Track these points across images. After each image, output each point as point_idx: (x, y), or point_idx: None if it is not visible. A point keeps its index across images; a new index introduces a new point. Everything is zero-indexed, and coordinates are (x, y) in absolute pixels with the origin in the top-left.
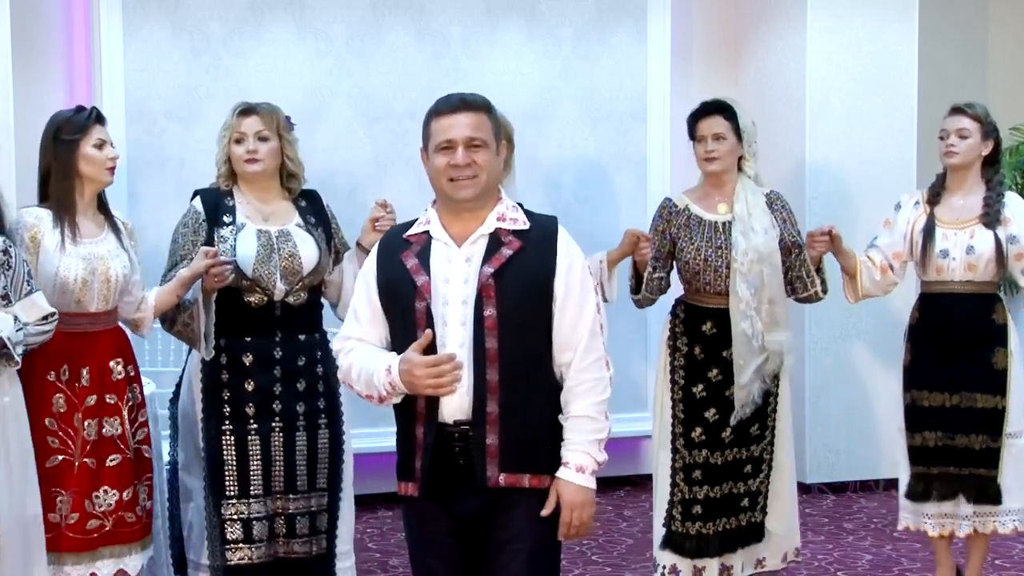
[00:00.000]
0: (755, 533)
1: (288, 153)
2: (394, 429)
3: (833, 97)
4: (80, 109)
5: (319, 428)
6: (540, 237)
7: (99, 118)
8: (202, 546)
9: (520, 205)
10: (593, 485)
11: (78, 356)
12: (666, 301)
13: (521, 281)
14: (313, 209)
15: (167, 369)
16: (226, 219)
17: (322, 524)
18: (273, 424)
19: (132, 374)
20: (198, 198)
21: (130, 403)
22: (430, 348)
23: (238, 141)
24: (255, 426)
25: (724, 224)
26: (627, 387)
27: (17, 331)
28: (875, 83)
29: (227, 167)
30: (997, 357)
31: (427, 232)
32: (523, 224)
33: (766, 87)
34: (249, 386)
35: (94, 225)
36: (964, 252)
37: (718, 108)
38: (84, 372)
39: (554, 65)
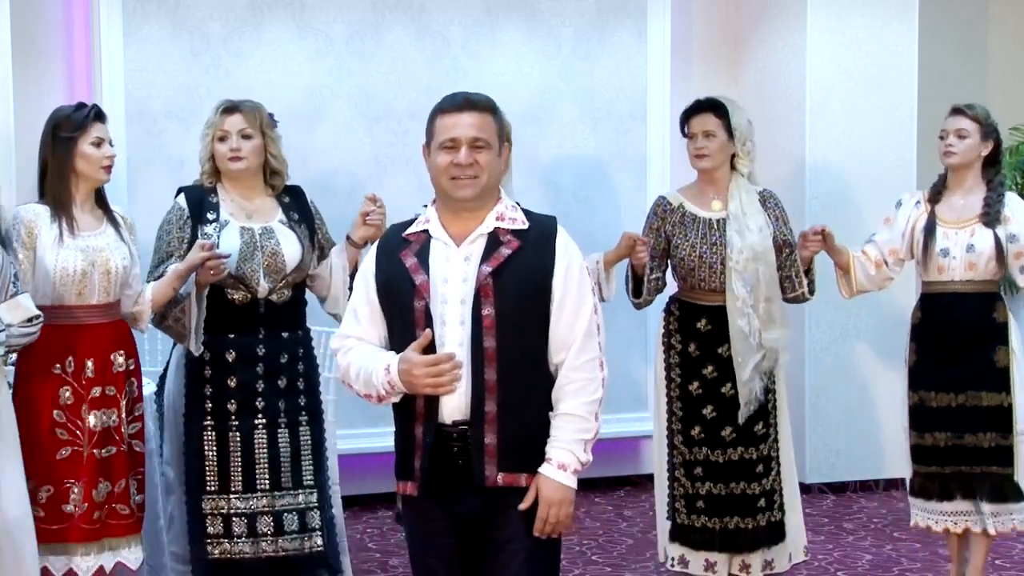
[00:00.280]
0: (777, 532)
1: (271, 150)
2: (393, 429)
3: (833, 97)
4: (81, 106)
5: (300, 425)
6: (539, 237)
7: (99, 116)
8: (184, 539)
9: (517, 204)
10: (574, 484)
11: (81, 348)
12: (662, 299)
13: (519, 281)
14: (296, 205)
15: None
16: (210, 216)
17: (313, 521)
18: (256, 421)
19: (132, 367)
20: (182, 195)
21: (127, 396)
22: (429, 347)
23: (221, 139)
24: (236, 423)
25: (718, 221)
26: (627, 387)
27: (0, 331)
28: (875, 83)
29: (210, 164)
30: (998, 355)
31: (426, 231)
32: (522, 224)
33: (766, 87)
34: (232, 383)
35: (92, 219)
36: (964, 251)
37: (709, 106)
38: (89, 364)
39: (554, 65)
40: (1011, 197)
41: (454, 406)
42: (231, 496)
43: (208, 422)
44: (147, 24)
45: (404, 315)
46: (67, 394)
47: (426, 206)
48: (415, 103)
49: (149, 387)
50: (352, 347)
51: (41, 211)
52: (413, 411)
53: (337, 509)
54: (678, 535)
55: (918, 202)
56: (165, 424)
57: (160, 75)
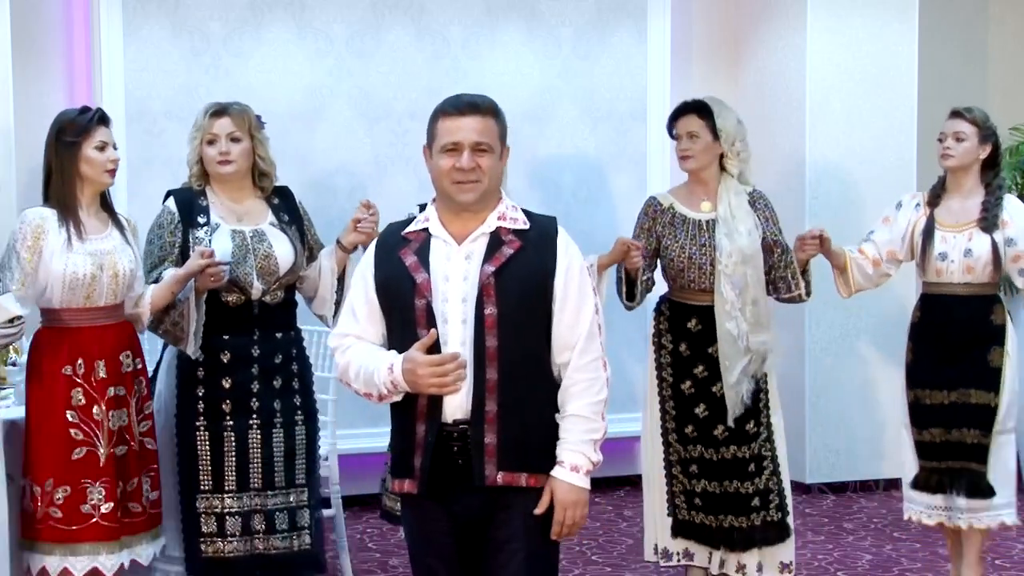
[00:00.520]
0: (776, 532)
1: (259, 152)
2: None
3: (833, 97)
4: (85, 110)
5: (296, 425)
6: (540, 237)
7: (103, 119)
8: (175, 539)
9: (516, 205)
10: (587, 485)
11: (90, 350)
12: (653, 300)
13: (521, 280)
14: (286, 207)
15: None
16: (200, 219)
17: (303, 520)
18: (250, 421)
19: (140, 367)
20: (171, 199)
21: (137, 395)
22: (433, 347)
23: (210, 142)
24: (231, 423)
25: (708, 222)
26: (626, 387)
27: None
28: (875, 83)
29: (199, 167)
30: (993, 356)
31: (426, 229)
32: (523, 224)
33: (766, 87)
34: (227, 383)
35: (98, 222)
36: (962, 255)
37: (693, 107)
38: (99, 365)
39: (554, 65)
40: (1009, 200)
41: (456, 405)
42: (224, 495)
43: (201, 422)
44: (147, 24)
45: (404, 313)
46: (79, 395)
47: (421, 207)
48: (415, 103)
49: None
50: (351, 345)
51: (48, 215)
52: (414, 410)
53: (337, 509)
54: (680, 530)
55: (918, 204)
56: (155, 426)
57: (160, 75)
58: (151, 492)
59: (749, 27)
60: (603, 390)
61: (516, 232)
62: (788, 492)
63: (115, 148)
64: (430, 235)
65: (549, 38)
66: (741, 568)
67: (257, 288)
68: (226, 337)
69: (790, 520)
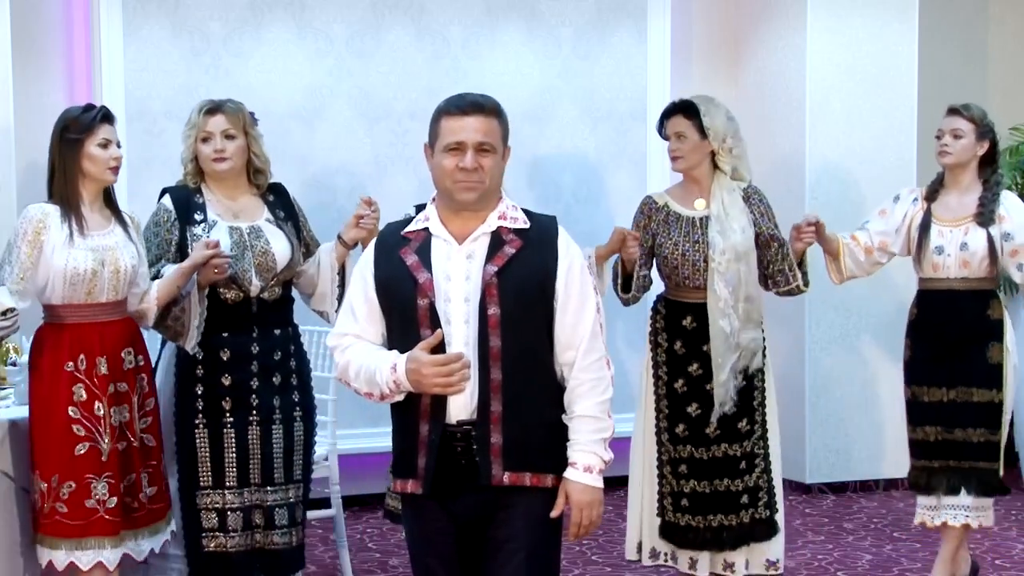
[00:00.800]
0: (763, 530)
1: (254, 149)
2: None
3: (833, 97)
4: (89, 107)
5: (295, 421)
6: (540, 237)
7: (107, 117)
8: (174, 536)
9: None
10: (601, 484)
11: (92, 346)
12: (650, 299)
13: (523, 280)
14: (281, 203)
15: None
16: (197, 217)
17: (299, 515)
18: (250, 418)
19: (142, 363)
20: (167, 196)
21: (139, 392)
22: (437, 346)
23: (204, 140)
24: (231, 419)
25: (701, 220)
26: (626, 387)
27: None
28: (875, 83)
29: (193, 165)
30: (992, 352)
31: (426, 229)
32: (523, 223)
33: (766, 87)
34: (226, 381)
35: (101, 218)
36: (958, 249)
37: (680, 108)
38: (101, 361)
39: (554, 65)
40: (1007, 196)
41: (460, 405)
42: (225, 491)
43: (200, 419)
44: (147, 24)
45: (405, 313)
46: (81, 391)
47: (418, 208)
48: (415, 103)
49: None
50: (351, 345)
51: (51, 211)
52: (417, 409)
53: (337, 509)
54: (665, 532)
55: (916, 199)
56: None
57: (160, 75)
58: (149, 488)
59: (749, 27)
60: (608, 389)
61: (517, 232)
62: (779, 490)
63: (119, 146)
64: (430, 234)
65: (549, 38)
66: (729, 566)
67: (255, 285)
68: (225, 335)
69: (779, 518)
